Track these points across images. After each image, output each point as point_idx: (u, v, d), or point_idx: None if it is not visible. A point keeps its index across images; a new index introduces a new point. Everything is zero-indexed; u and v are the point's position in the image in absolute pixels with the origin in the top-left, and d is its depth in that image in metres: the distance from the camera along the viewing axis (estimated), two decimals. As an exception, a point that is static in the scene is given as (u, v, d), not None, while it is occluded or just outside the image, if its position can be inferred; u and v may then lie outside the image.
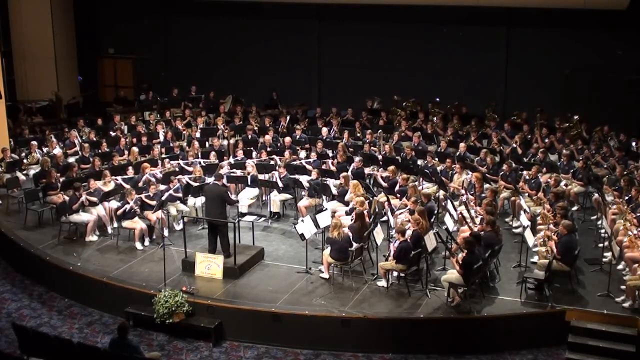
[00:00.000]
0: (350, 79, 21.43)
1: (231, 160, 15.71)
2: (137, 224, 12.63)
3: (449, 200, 13.14)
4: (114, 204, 13.35)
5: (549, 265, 10.44)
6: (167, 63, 23.72)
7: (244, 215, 13.07)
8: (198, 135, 17.83)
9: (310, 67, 22.52)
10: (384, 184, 14.19)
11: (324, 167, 15.25)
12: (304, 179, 14.33)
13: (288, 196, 14.22)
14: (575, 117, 17.73)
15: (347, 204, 13.16)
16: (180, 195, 13.60)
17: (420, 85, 20.58)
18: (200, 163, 15.12)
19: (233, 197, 13.26)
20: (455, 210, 12.49)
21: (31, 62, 22.24)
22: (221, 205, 11.84)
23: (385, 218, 12.79)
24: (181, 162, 15.42)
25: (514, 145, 16.55)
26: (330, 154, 16.12)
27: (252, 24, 22.41)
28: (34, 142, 16.47)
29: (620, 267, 11.35)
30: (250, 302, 10.66)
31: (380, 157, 15.95)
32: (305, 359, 10.12)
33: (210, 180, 13.18)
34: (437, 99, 19.87)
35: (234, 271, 11.41)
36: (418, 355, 10.15)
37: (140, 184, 13.81)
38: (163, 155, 15.89)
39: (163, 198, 13.03)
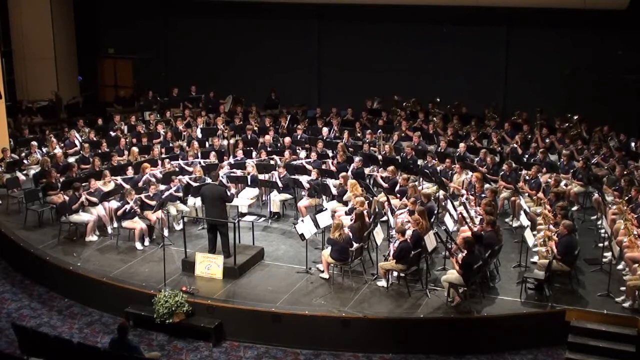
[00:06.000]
0: (350, 79, 21.42)
1: (231, 160, 15.71)
2: (137, 224, 12.63)
3: (449, 200, 13.14)
4: (114, 204, 13.34)
5: (549, 265, 10.44)
6: (167, 63, 23.74)
7: (244, 215, 13.07)
8: (199, 135, 17.84)
9: (310, 67, 22.53)
10: (384, 184, 14.19)
11: (324, 167, 15.26)
12: (304, 179, 14.32)
13: (288, 196, 14.22)
14: (575, 117, 17.73)
15: (346, 204, 13.16)
16: (180, 195, 13.60)
17: (420, 85, 20.58)
18: (200, 163, 15.12)
19: (231, 192, 13.22)
20: (455, 210, 12.49)
21: (31, 62, 22.25)
22: (221, 205, 11.84)
23: (385, 218, 12.79)
24: (181, 162, 15.42)
25: (514, 145, 16.55)
26: (330, 154, 16.12)
27: (252, 24, 22.42)
28: (34, 142, 16.48)
29: (620, 267, 11.35)
30: (250, 302, 10.65)
31: (380, 157, 15.95)
32: (305, 359, 10.12)
33: (207, 181, 13.19)
34: (438, 99, 19.87)
35: (234, 271, 11.41)
36: (418, 355, 10.15)
37: (140, 184, 13.80)
38: (163, 155, 15.89)
39: (163, 197, 13.03)
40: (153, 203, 12.81)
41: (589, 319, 10.22)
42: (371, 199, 13.22)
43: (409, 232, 11.10)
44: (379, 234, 11.78)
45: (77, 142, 16.94)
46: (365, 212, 11.98)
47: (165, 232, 12.98)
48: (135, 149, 16.02)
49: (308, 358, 10.13)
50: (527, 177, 14.03)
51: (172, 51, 23.72)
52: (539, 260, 11.05)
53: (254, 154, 16.25)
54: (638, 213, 11.94)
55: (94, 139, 17.24)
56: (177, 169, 14.97)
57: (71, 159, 15.98)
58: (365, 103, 20.41)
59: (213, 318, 10.49)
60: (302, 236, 11.44)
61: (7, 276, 12.73)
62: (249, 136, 17.59)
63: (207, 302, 10.63)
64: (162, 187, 13.64)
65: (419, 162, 15.76)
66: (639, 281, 10.20)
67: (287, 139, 16.87)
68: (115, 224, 13.07)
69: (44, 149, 16.57)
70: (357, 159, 15.23)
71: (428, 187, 14.21)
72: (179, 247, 12.23)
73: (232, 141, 17.89)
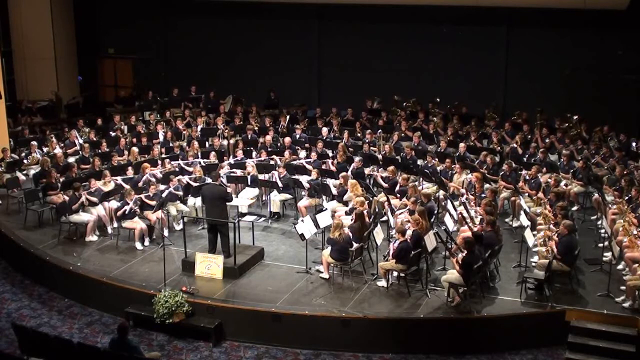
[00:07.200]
0: (350, 79, 21.43)
1: (231, 160, 15.71)
2: (137, 224, 12.63)
3: (449, 200, 13.14)
4: (114, 204, 13.34)
5: (549, 265, 10.44)
6: (167, 63, 23.74)
7: (244, 215, 13.07)
8: (199, 134, 17.83)
9: (310, 67, 22.53)
10: (384, 184, 14.19)
11: (324, 167, 15.25)
12: (304, 179, 14.33)
13: (288, 196, 14.22)
14: (575, 117, 17.74)
15: (347, 204, 13.16)
16: (180, 193, 13.60)
17: (421, 85, 20.60)
18: (200, 163, 15.12)
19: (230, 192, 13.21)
20: (455, 210, 12.49)
21: (31, 62, 22.27)
22: (221, 205, 11.84)
23: (385, 218, 12.79)
24: (181, 162, 15.42)
25: (514, 145, 16.55)
26: (330, 154, 16.12)
27: (252, 23, 22.42)
28: (34, 142, 16.47)
29: (620, 267, 11.35)
30: (250, 302, 10.65)
31: (380, 157, 15.95)
32: (305, 359, 10.12)
33: (207, 181, 13.18)
34: (438, 99, 19.88)
35: (234, 271, 11.41)
36: (418, 355, 10.15)
37: (140, 184, 13.80)
38: (163, 155, 15.89)
39: (163, 196, 13.03)
40: (153, 203, 12.80)
41: (589, 319, 10.22)
42: (371, 199, 13.22)
43: (409, 232, 11.10)
44: (379, 234, 11.77)
45: (77, 142, 16.94)
46: (365, 212, 11.98)
47: (165, 232, 12.98)
48: (135, 149, 16.02)
49: (308, 358, 10.13)
50: (527, 177, 14.03)
51: (172, 51, 23.72)
52: (539, 260, 11.05)
53: (254, 154, 16.25)
54: (638, 213, 11.95)
55: (94, 139, 17.25)
56: (177, 169, 14.97)
57: (71, 159, 15.97)
58: (365, 103, 20.41)
59: (213, 318, 10.48)
60: (302, 236, 11.43)
61: (7, 276, 12.73)
62: (249, 136, 17.59)
63: (207, 302, 10.63)
64: (162, 187, 13.64)
65: (419, 162, 15.76)
66: (639, 281, 10.20)
67: (287, 139, 16.86)
68: (115, 224, 13.07)
69: (44, 149, 16.57)
70: (357, 159, 15.22)
71: (428, 187, 14.21)
72: (179, 247, 12.22)
73: (232, 141, 17.89)
